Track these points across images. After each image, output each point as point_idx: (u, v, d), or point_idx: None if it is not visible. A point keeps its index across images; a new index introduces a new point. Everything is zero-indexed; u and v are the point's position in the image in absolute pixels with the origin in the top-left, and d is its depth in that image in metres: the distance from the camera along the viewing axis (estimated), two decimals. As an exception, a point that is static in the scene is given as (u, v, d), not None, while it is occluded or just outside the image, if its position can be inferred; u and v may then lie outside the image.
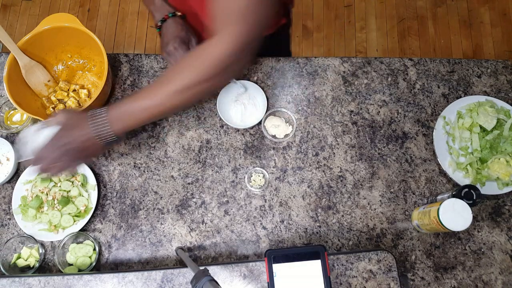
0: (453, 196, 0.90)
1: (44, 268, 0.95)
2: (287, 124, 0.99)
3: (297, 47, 2.23)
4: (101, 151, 0.91)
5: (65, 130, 0.79)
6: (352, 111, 1.07)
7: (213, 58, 0.73)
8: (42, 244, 0.96)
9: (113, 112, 0.79)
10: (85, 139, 0.79)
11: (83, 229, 0.96)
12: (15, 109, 1.05)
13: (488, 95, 1.07)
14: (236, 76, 0.83)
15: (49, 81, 1.06)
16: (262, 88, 1.06)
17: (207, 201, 1.00)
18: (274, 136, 0.98)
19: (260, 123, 1.02)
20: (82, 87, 1.09)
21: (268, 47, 0.90)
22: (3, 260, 0.92)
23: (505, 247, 0.96)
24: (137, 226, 0.98)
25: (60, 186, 0.98)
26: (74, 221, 0.96)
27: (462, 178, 0.98)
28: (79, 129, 0.79)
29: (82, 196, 0.98)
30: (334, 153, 1.03)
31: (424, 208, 0.92)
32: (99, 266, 0.95)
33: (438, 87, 1.09)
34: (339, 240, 0.97)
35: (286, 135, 0.98)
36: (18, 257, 0.94)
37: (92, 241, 0.94)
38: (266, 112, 1.01)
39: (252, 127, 1.05)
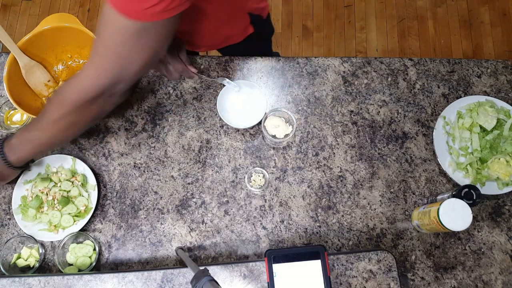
0: (453, 196, 0.90)
1: (44, 268, 0.95)
2: (287, 124, 0.99)
3: (297, 47, 2.23)
4: (8, 178, 0.95)
5: None
6: (352, 111, 1.07)
7: (76, 91, 0.74)
8: (42, 244, 0.96)
9: (7, 144, 0.86)
10: None
11: (83, 229, 0.96)
12: (15, 109, 1.05)
13: (488, 95, 1.07)
14: (106, 111, 0.83)
15: (49, 81, 1.06)
16: (262, 88, 1.06)
17: (207, 201, 1.00)
18: (274, 136, 0.98)
19: (260, 123, 1.02)
20: (82, 87, 1.09)
21: (241, 51, 0.96)
22: (3, 260, 0.92)
23: (505, 247, 0.96)
24: (137, 226, 0.98)
25: (60, 186, 0.98)
26: (74, 221, 0.96)
27: (462, 178, 0.98)
28: None
29: (82, 196, 0.98)
30: (334, 153, 1.03)
31: (424, 208, 0.92)
32: (99, 266, 0.95)
33: (438, 87, 1.09)
34: (339, 240, 0.97)
35: (286, 135, 0.98)
36: (18, 257, 0.94)
37: (92, 241, 0.94)
38: (266, 112, 1.01)
39: (252, 127, 1.05)
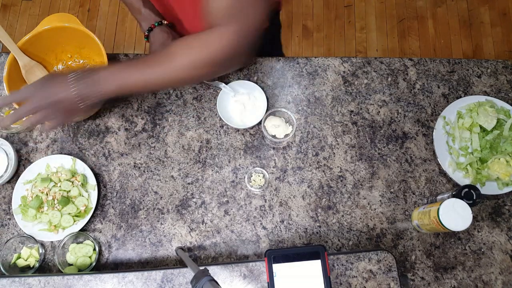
0: (453, 196, 0.90)
1: (44, 268, 0.95)
2: (287, 124, 0.99)
3: (297, 47, 2.23)
4: (79, 113, 0.86)
5: (41, 89, 0.77)
6: (352, 111, 1.07)
7: (217, 45, 0.73)
8: (42, 244, 0.96)
9: (107, 73, 0.77)
10: (62, 97, 0.76)
11: (83, 229, 0.96)
12: (15, 109, 1.05)
13: (488, 95, 1.07)
14: (235, 67, 0.83)
15: (49, 81, 1.06)
16: (262, 88, 1.06)
17: (207, 201, 1.00)
18: (274, 136, 0.98)
19: (260, 123, 1.02)
20: (82, 87, 1.09)
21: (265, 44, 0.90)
22: (3, 260, 0.92)
23: (505, 247, 0.96)
24: (137, 226, 0.98)
25: (60, 186, 0.98)
26: (74, 221, 0.96)
27: (462, 178, 0.98)
28: (58, 87, 0.76)
29: (82, 196, 0.98)
30: (334, 153, 1.03)
31: (424, 208, 0.92)
32: (99, 266, 0.95)
33: (438, 87, 1.09)
34: (339, 240, 0.97)
35: (286, 135, 0.98)
36: (18, 257, 0.94)
37: (92, 241, 0.94)
38: (266, 112, 1.01)
39: (252, 127, 1.05)
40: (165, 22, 0.92)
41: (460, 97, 1.08)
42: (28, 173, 1.00)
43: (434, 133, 1.02)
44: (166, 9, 0.98)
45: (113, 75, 0.76)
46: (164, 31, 0.93)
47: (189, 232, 0.98)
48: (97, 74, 0.76)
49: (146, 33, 0.94)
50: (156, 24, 0.92)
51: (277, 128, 0.98)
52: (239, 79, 1.08)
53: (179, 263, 0.95)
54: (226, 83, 1.06)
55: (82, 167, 1.00)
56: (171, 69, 0.76)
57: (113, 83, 0.76)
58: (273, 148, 1.04)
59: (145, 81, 0.77)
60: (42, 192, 0.97)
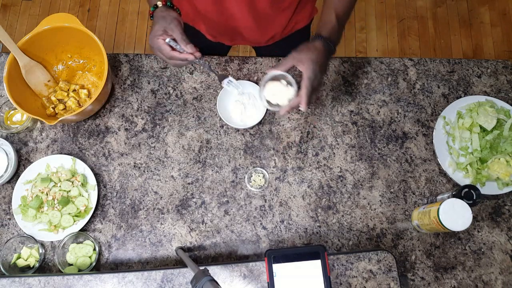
0: (453, 196, 0.90)
1: (44, 268, 0.95)
2: (288, 86, 0.86)
3: (297, 47, 2.22)
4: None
5: (320, 65, 0.83)
6: (352, 111, 1.07)
7: None
8: (42, 244, 0.96)
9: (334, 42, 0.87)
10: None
11: (83, 229, 0.96)
12: (15, 109, 1.05)
13: (488, 95, 1.07)
14: None
15: (49, 81, 1.06)
16: (262, 88, 1.05)
17: (207, 201, 1.00)
18: (277, 105, 0.86)
19: (260, 123, 1.02)
20: (82, 87, 1.09)
21: (298, 44, 0.89)
22: (3, 260, 0.92)
23: (505, 247, 0.96)
24: (137, 226, 0.98)
25: (60, 186, 0.98)
26: (74, 221, 0.96)
27: (462, 178, 0.98)
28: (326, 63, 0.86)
29: (82, 196, 0.98)
30: (334, 153, 1.03)
31: (424, 208, 0.92)
32: (99, 266, 0.95)
33: (438, 87, 1.09)
34: (339, 240, 0.97)
35: (290, 100, 0.86)
36: (18, 257, 0.94)
37: (92, 241, 0.94)
38: (262, 81, 0.88)
39: (252, 127, 1.05)
40: (160, 3, 0.90)
41: (460, 97, 1.08)
42: (28, 173, 1.00)
43: (434, 133, 1.02)
44: None
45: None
46: (164, 12, 0.90)
47: (189, 232, 0.98)
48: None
49: (151, 10, 0.93)
50: (152, 9, 0.91)
51: (278, 95, 0.87)
52: (239, 79, 1.08)
53: (179, 263, 0.95)
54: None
55: (82, 167, 1.00)
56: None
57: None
58: (273, 148, 1.04)
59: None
60: (42, 192, 0.97)
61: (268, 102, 0.86)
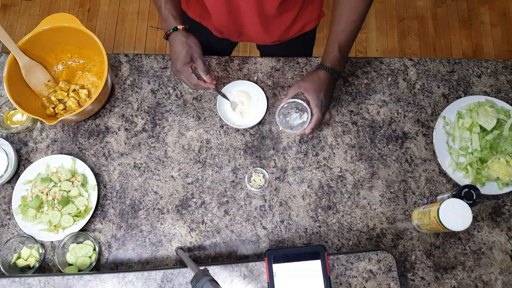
0: (453, 196, 0.90)
1: (44, 268, 0.95)
2: (301, 112, 0.94)
3: (297, 47, 2.22)
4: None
5: (324, 93, 0.90)
6: (352, 111, 1.07)
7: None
8: (42, 244, 0.96)
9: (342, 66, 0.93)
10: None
11: (83, 229, 0.96)
12: (15, 109, 1.05)
13: (488, 95, 1.07)
14: None
15: (49, 81, 1.06)
16: (262, 88, 1.06)
17: (207, 201, 1.00)
18: (292, 127, 0.95)
19: (260, 123, 1.02)
20: (82, 87, 1.09)
21: (303, 46, 0.92)
22: (3, 260, 0.92)
23: (505, 247, 0.96)
24: (137, 226, 0.98)
25: (60, 186, 0.98)
26: (74, 221, 0.96)
27: (462, 178, 0.98)
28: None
29: (82, 196, 0.98)
30: (334, 153, 1.03)
31: (424, 208, 0.92)
32: (99, 266, 0.95)
33: (438, 87, 1.09)
34: (339, 240, 0.97)
35: (303, 123, 0.93)
36: (18, 257, 0.94)
37: (92, 241, 0.94)
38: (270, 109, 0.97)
39: (252, 127, 1.05)
40: (180, 27, 0.91)
41: (460, 97, 1.08)
42: (28, 173, 1.00)
43: (434, 133, 1.02)
44: None
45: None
46: (180, 38, 0.91)
47: (189, 232, 0.98)
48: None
49: (165, 36, 0.94)
50: (172, 30, 0.91)
51: (293, 121, 0.95)
52: (239, 79, 1.08)
53: (179, 263, 0.95)
54: (224, 84, 1.06)
55: (82, 167, 1.00)
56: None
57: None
58: (273, 148, 1.04)
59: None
60: (42, 192, 0.97)
61: (284, 126, 0.95)
